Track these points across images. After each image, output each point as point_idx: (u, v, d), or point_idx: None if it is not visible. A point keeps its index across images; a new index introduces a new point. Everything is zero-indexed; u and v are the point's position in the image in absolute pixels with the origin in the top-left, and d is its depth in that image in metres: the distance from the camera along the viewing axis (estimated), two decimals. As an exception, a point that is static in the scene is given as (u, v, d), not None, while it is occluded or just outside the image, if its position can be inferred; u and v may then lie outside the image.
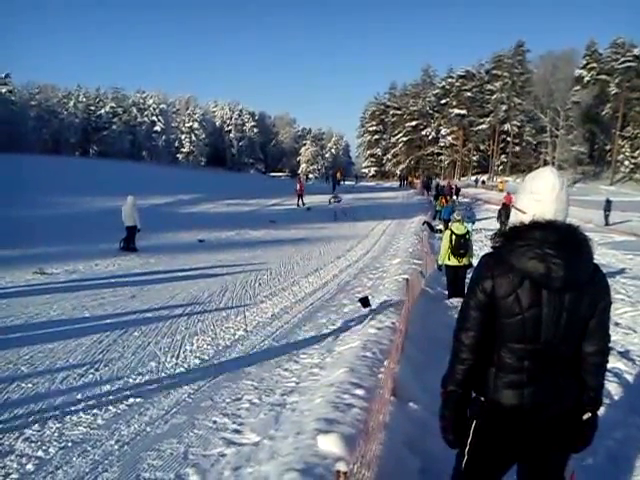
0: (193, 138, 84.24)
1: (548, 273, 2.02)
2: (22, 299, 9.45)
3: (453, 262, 10.17)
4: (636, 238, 20.98)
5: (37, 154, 56.15)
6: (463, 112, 75.77)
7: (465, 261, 10.14)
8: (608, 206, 26.73)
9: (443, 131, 79.18)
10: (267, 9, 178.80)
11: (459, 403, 2.27)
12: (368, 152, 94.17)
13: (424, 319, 7.88)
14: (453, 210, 15.82)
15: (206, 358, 6.79)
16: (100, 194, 27.02)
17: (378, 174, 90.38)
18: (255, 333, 7.99)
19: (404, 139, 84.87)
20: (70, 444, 4.44)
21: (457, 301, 9.38)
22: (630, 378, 5.75)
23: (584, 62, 63.76)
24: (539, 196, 2.15)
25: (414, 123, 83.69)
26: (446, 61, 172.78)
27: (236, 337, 7.75)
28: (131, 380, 5.94)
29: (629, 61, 57.62)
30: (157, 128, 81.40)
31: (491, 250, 2.26)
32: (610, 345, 2.28)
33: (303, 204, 33.27)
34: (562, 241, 2.06)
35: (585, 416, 2.26)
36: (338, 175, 55.23)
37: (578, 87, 60.20)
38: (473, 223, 20.74)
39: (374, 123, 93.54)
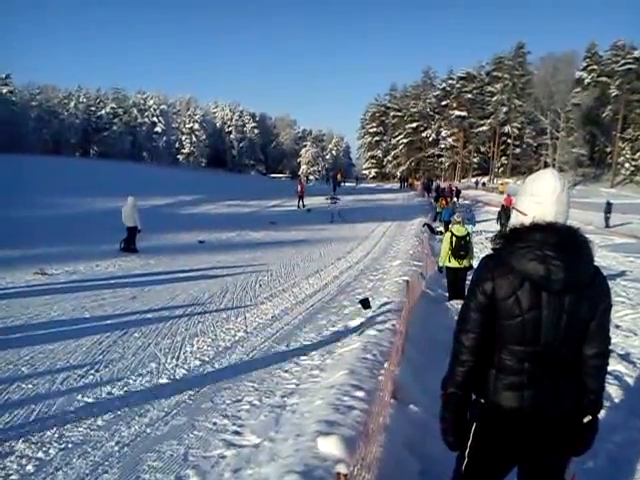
0: (193, 139, 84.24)
1: (548, 275, 2.02)
2: (22, 300, 9.44)
3: (453, 264, 10.18)
4: (636, 240, 20.99)
5: (37, 155, 56.13)
6: (463, 114, 75.79)
7: (465, 263, 10.15)
8: (609, 208, 26.75)
9: (443, 133, 79.21)
10: (268, 9, 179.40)
11: (459, 405, 2.27)
12: (368, 154, 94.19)
13: (424, 321, 7.89)
14: (454, 212, 15.83)
15: (206, 359, 6.79)
16: (100, 195, 27.04)
17: (379, 176, 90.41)
18: (255, 334, 7.99)
19: (404, 141, 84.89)
20: (70, 445, 4.44)
21: (457, 303, 9.39)
22: (631, 381, 5.75)
23: (584, 64, 63.74)
24: (539, 198, 2.15)
25: (414, 125, 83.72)
26: (446, 62, 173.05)
27: (236, 338, 7.75)
28: (131, 381, 5.94)
29: (629, 63, 57.59)
30: (158, 129, 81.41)
31: (491, 252, 2.27)
32: (610, 348, 2.28)
33: (303, 206, 33.27)
34: (562, 243, 2.07)
35: (586, 419, 2.25)
36: (338, 176, 55.20)
37: (578, 89, 60.17)
38: (473, 225, 20.76)
39: (374, 125, 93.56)
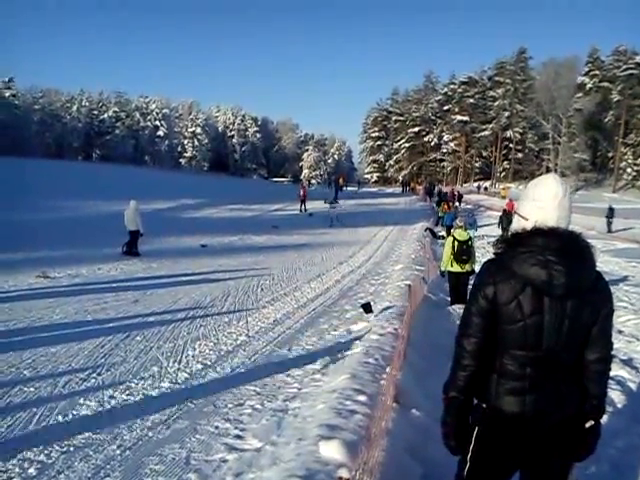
0: (196, 143, 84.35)
1: (550, 280, 2.02)
2: (25, 303, 9.46)
3: (455, 268, 10.18)
4: (639, 246, 20.95)
5: (40, 158, 56.23)
6: (465, 118, 75.83)
7: (467, 267, 10.14)
8: (611, 213, 26.71)
9: (445, 137, 79.25)
10: (269, 14, 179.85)
11: (461, 409, 2.27)
12: (371, 158, 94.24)
13: (426, 325, 7.88)
14: (456, 216, 15.83)
15: (208, 363, 6.79)
16: (103, 198, 27.10)
17: (380, 180, 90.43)
18: (257, 338, 7.99)
19: (406, 145, 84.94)
20: (72, 448, 4.44)
21: (459, 307, 9.37)
22: (633, 386, 5.74)
23: (586, 69, 63.82)
24: (541, 203, 2.15)
25: (416, 129, 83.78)
26: (448, 67, 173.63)
27: (238, 342, 7.75)
28: (133, 384, 5.94)
29: (631, 68, 57.68)
30: (160, 133, 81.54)
31: (493, 256, 2.27)
32: (613, 353, 2.28)
33: (305, 210, 33.29)
34: (564, 248, 2.07)
35: (588, 424, 2.25)
36: (340, 181, 55.17)
37: (580, 94, 60.23)
38: (475, 230, 20.75)
39: (376, 129, 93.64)
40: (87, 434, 4.71)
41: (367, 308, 8.86)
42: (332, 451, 3.61)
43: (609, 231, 25.97)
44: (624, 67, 58.57)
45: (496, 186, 66.33)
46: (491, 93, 75.27)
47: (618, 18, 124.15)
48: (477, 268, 9.07)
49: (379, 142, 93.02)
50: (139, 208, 16.39)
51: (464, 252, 10.13)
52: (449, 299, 10.45)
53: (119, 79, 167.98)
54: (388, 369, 5.14)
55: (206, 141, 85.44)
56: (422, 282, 11.27)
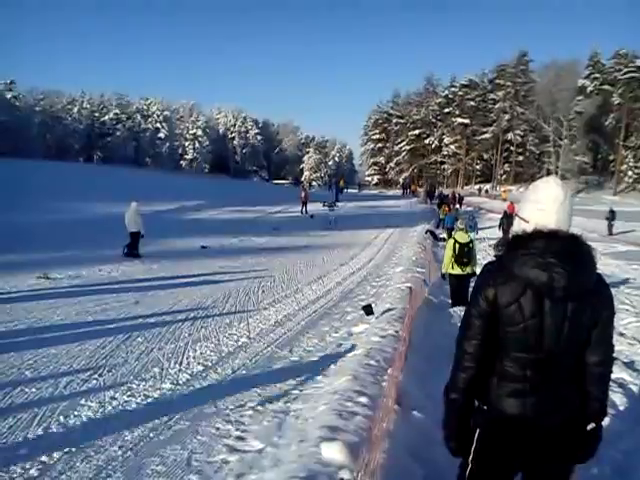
0: (197, 145, 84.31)
1: (550, 282, 2.03)
2: (26, 304, 9.47)
3: (456, 271, 10.18)
4: (640, 248, 20.93)
5: (41, 160, 56.25)
6: (466, 121, 75.78)
7: (468, 270, 10.14)
8: (612, 216, 26.67)
9: (446, 140, 79.18)
10: (270, 16, 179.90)
11: (462, 411, 2.27)
12: (371, 160, 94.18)
13: (427, 327, 7.88)
14: (456, 218, 15.82)
15: (209, 364, 6.79)
16: (104, 200, 27.11)
17: (381, 182, 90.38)
18: (258, 340, 7.99)
19: (407, 147, 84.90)
20: (74, 449, 4.44)
21: (460, 310, 9.37)
22: (635, 389, 5.74)
23: (587, 72, 63.73)
24: (542, 205, 2.16)
25: (417, 132, 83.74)
26: (449, 70, 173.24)
27: (239, 344, 7.75)
28: (134, 386, 5.95)
29: (632, 72, 57.56)
30: (161, 135, 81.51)
31: (494, 259, 2.28)
32: (615, 355, 2.28)
33: (306, 212, 33.28)
34: (565, 250, 2.07)
35: (589, 426, 2.25)
36: (341, 183, 55.29)
37: (581, 97, 60.16)
38: (476, 232, 20.74)
39: (377, 131, 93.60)
40: (88, 435, 4.71)
41: (368, 310, 8.86)
42: (333, 453, 3.61)
43: (610, 234, 25.94)
44: (625, 70, 58.48)
45: (497, 189, 66.24)
46: (492, 96, 75.21)
47: (619, 21, 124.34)
48: (478, 270, 9.08)
49: (380, 144, 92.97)
50: (140, 210, 16.41)
51: (465, 254, 10.14)
52: (450, 301, 10.45)
53: (120, 81, 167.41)
54: (389, 371, 5.15)
55: (207, 143, 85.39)
56: (423, 284, 11.29)
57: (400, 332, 6.69)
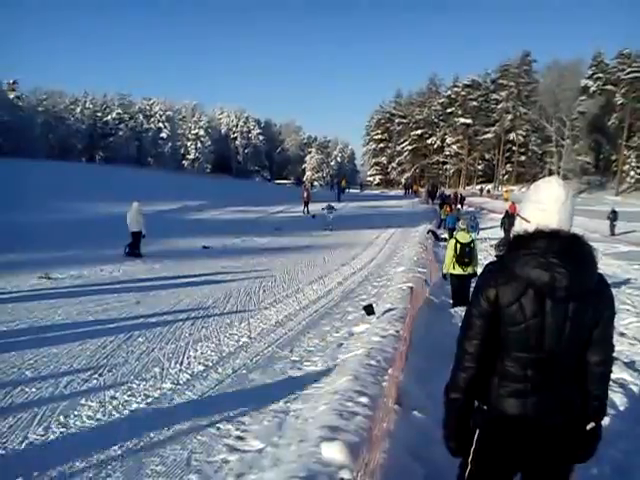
0: (199, 145, 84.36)
1: (552, 282, 2.02)
2: (27, 303, 9.49)
3: (458, 271, 10.17)
4: (642, 249, 20.89)
5: (44, 159, 56.32)
6: (469, 121, 75.78)
7: (470, 270, 10.13)
8: (614, 216, 26.62)
9: (448, 140, 79.18)
10: (272, 16, 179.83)
11: (462, 411, 2.27)
12: (373, 160, 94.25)
13: (428, 327, 7.88)
14: (458, 219, 15.81)
15: (210, 364, 6.79)
16: (106, 200, 27.14)
17: (383, 182, 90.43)
18: (259, 340, 7.99)
19: (409, 147, 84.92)
20: (74, 449, 4.43)
21: (461, 310, 9.36)
22: (636, 389, 5.73)
23: (590, 72, 63.71)
24: (543, 205, 2.15)
25: (419, 132, 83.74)
26: (452, 70, 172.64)
27: (240, 344, 7.75)
28: (135, 385, 5.95)
29: (635, 72, 57.51)
30: (163, 135, 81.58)
31: (495, 259, 2.27)
32: (615, 355, 2.28)
33: (308, 212, 33.25)
34: (566, 250, 2.07)
35: (589, 426, 2.25)
36: (343, 183, 55.29)
37: (584, 97, 60.13)
38: (477, 233, 20.71)
39: (379, 131, 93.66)
40: (88, 434, 4.71)
41: (369, 310, 8.85)
42: (334, 452, 3.61)
43: (612, 234, 25.90)
44: (628, 70, 58.43)
45: (499, 189, 66.22)
46: (494, 96, 75.22)
47: (623, 21, 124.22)
48: (479, 270, 9.08)
49: (382, 144, 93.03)
50: (142, 209, 16.44)
51: (466, 254, 10.12)
52: (451, 301, 10.44)
53: (123, 81, 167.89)
54: (390, 371, 5.14)
55: (209, 143, 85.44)
56: (424, 284, 11.27)
57: (401, 332, 6.68)
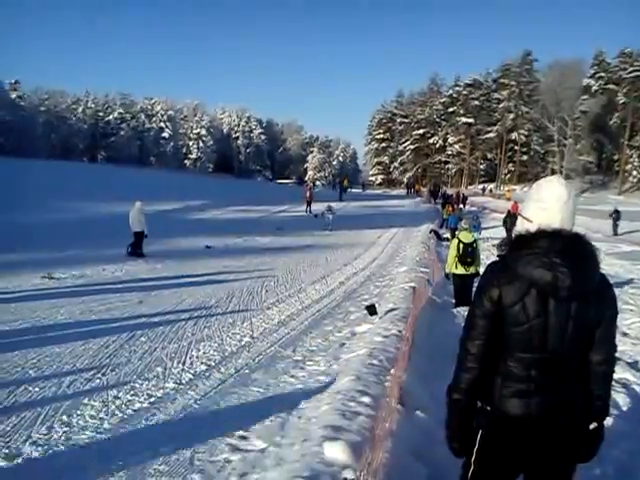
0: (201, 145, 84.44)
1: (555, 282, 2.02)
2: (30, 303, 9.51)
3: (460, 270, 10.15)
4: (644, 248, 20.85)
5: (46, 159, 56.39)
6: (470, 120, 75.75)
7: (472, 270, 10.11)
8: (617, 216, 26.56)
9: (450, 139, 79.14)
10: (274, 16, 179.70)
11: (465, 412, 2.26)
12: (375, 160, 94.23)
13: (431, 327, 7.87)
14: (460, 218, 15.79)
15: (212, 364, 6.80)
16: (108, 199, 27.15)
17: (385, 182, 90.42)
18: (261, 339, 8.00)
19: (411, 147, 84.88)
20: (77, 448, 4.45)
21: (464, 310, 9.35)
22: (639, 389, 5.72)
23: (592, 71, 63.66)
24: (545, 205, 2.15)
25: (421, 131, 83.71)
26: (453, 70, 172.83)
27: (242, 343, 7.76)
28: (137, 385, 5.96)
29: (637, 71, 57.46)
30: (165, 134, 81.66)
31: (497, 258, 2.27)
32: (618, 355, 2.28)
33: (310, 211, 33.21)
34: (569, 250, 2.06)
35: (592, 426, 2.24)
36: (345, 183, 55.30)
37: (586, 96, 60.08)
38: (479, 232, 20.68)
39: (381, 131, 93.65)
40: (92, 434, 4.73)
41: (371, 310, 8.85)
42: (336, 452, 3.61)
43: (615, 234, 25.85)
44: (630, 69, 58.37)
45: (501, 188, 66.17)
46: (496, 95, 75.16)
47: (624, 20, 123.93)
48: (482, 270, 9.07)
49: (384, 144, 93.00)
50: (144, 209, 16.45)
51: (469, 254, 10.11)
52: (453, 301, 10.43)
53: (124, 81, 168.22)
54: (392, 371, 5.14)
55: (211, 142, 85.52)
56: (426, 284, 11.26)
57: (403, 332, 6.68)
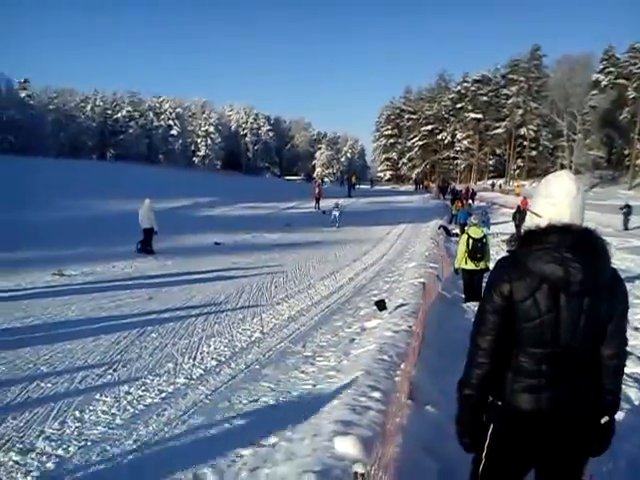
0: (209, 142, 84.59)
1: (567, 277, 2.01)
2: (41, 300, 9.57)
3: (470, 266, 10.15)
4: (655, 243, 20.69)
5: (55, 158, 56.64)
6: (479, 116, 75.43)
7: (482, 265, 10.11)
8: (629, 210, 26.36)
9: (459, 135, 78.86)
10: (281, 14, 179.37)
11: (475, 407, 2.26)
12: (383, 156, 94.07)
13: (440, 323, 7.87)
14: (469, 214, 15.76)
15: (223, 360, 6.83)
16: (117, 197, 27.22)
17: (393, 178, 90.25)
18: (271, 335, 8.03)
19: (420, 143, 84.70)
20: (89, 443, 4.49)
21: (474, 305, 9.35)
22: (649, 383, 5.69)
23: (602, 66, 63.23)
24: (554, 200, 2.14)
25: (430, 127, 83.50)
26: (461, 67, 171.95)
27: (253, 339, 7.79)
28: (149, 381, 6.00)
29: (648, 65, 57.10)
30: (173, 132, 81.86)
31: (507, 254, 2.26)
32: (629, 350, 2.27)
33: (319, 208, 33.17)
34: (579, 244, 2.06)
35: (603, 420, 2.24)
36: (353, 179, 55.24)
37: (595, 91, 59.69)
38: (488, 228, 20.59)
39: (389, 127, 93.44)
40: (104, 429, 4.77)
41: (381, 305, 8.88)
42: (347, 447, 3.62)
43: (626, 228, 25.66)
44: (640, 64, 58.01)
45: (510, 184, 65.89)
46: (505, 91, 74.77)
47: (633, 15, 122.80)
48: (491, 266, 9.04)
49: (392, 140, 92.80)
50: (153, 206, 16.51)
51: (478, 250, 10.10)
52: (463, 296, 10.43)
53: (132, 79, 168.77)
54: (402, 366, 5.14)
55: (219, 140, 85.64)
56: (436, 280, 11.25)
57: (413, 327, 6.68)
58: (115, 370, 6.29)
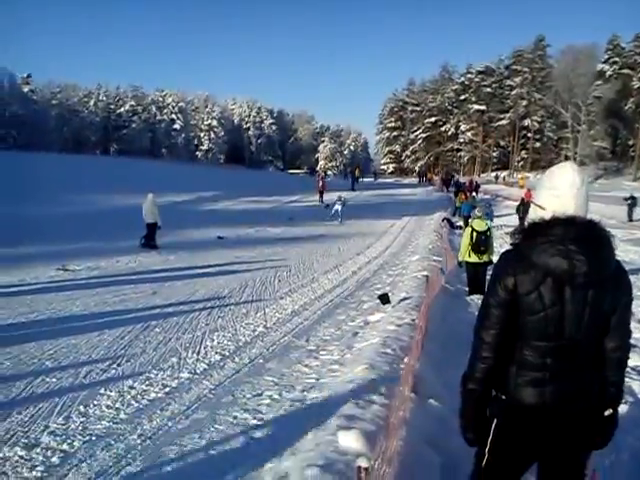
0: (212, 136, 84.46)
1: (572, 269, 2.00)
2: (46, 295, 9.61)
3: (473, 259, 10.12)
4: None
5: (58, 152, 56.71)
6: (482, 108, 75.04)
7: (485, 258, 10.08)
8: (634, 202, 26.25)
9: (462, 127, 78.52)
10: (284, 7, 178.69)
11: (479, 401, 2.26)
12: (387, 149, 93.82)
13: (444, 316, 7.86)
14: (473, 206, 15.71)
15: (227, 354, 6.84)
16: (121, 192, 27.23)
17: (397, 171, 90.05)
18: (275, 329, 8.03)
19: (423, 135, 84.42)
20: (94, 438, 4.51)
21: (477, 298, 9.35)
22: (654, 376, 5.67)
23: (606, 56, 62.78)
24: (558, 192, 2.13)
25: (433, 119, 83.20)
26: (464, 58, 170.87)
27: (256, 333, 7.79)
28: (153, 375, 6.01)
29: (652, 55, 56.71)
30: (176, 126, 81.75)
31: (511, 247, 2.25)
32: (634, 343, 2.26)
33: (322, 201, 33.11)
34: (584, 237, 2.04)
35: (606, 412, 2.24)
36: (357, 172, 55.12)
37: (600, 82, 59.29)
38: (491, 220, 20.53)
39: (392, 119, 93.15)
40: (108, 424, 4.78)
41: (384, 299, 8.87)
42: (350, 441, 3.62)
43: (630, 220, 25.57)
44: (645, 54, 57.61)
45: (514, 176, 65.65)
46: (508, 82, 74.36)
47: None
48: (495, 259, 9.02)
49: (395, 133, 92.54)
50: (156, 201, 16.53)
51: (482, 242, 10.07)
52: (467, 289, 10.41)
53: (135, 74, 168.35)
54: (406, 359, 5.14)
55: (222, 134, 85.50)
56: (440, 273, 11.24)
57: (417, 320, 6.68)
58: (119, 365, 6.31)
